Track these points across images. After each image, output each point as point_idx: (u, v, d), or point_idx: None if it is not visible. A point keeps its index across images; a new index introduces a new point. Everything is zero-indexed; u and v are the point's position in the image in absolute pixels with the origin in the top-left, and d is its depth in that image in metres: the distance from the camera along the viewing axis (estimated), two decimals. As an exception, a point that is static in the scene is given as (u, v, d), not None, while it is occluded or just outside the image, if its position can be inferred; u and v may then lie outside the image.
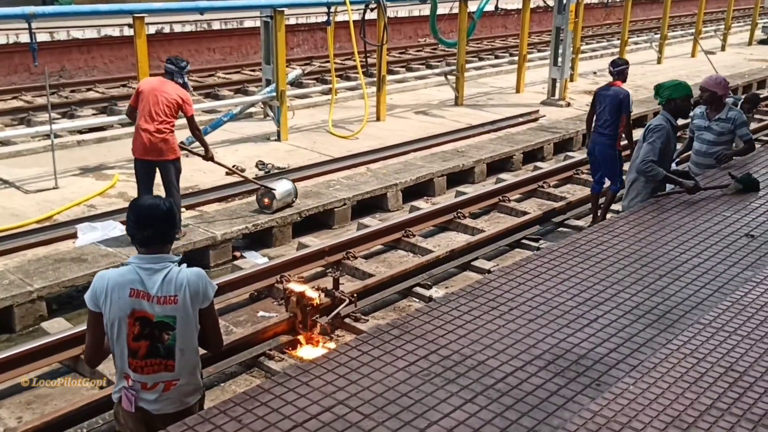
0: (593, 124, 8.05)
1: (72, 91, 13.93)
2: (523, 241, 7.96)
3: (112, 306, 2.91)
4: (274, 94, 10.84)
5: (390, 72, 15.85)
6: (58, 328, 5.77)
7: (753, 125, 12.23)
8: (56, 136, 10.54)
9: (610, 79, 8.03)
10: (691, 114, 6.73)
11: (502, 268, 4.90)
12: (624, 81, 7.92)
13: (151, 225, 2.94)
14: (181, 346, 2.96)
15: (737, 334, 3.76)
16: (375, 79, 12.20)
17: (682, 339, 3.70)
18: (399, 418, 2.98)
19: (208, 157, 7.63)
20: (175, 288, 2.91)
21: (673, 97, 5.70)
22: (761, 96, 11.90)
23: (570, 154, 11.25)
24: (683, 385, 3.29)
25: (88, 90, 14.14)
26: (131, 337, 2.93)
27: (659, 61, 18.44)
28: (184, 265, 3.03)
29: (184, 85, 7.20)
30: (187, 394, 3.05)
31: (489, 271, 6.78)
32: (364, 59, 13.00)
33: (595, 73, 17.13)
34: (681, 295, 4.19)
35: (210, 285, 3.01)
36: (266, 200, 7.86)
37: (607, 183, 8.13)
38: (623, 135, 7.86)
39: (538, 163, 10.77)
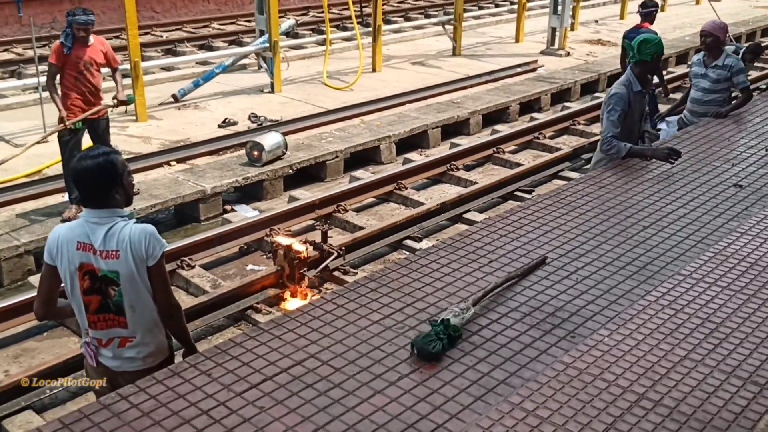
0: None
1: (64, 44, 13.72)
2: (516, 193, 7.90)
3: (63, 259, 2.89)
4: (267, 45, 10.66)
5: (387, 22, 15.58)
6: (46, 282, 5.77)
7: (754, 74, 12.04)
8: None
9: (613, 27, 8.01)
10: (689, 62, 6.63)
11: (484, 219, 4.86)
12: (652, 23, 7.94)
13: (82, 183, 2.88)
14: (130, 303, 2.92)
15: (717, 285, 3.73)
16: (371, 29, 11.98)
17: (660, 290, 3.66)
18: (370, 372, 2.97)
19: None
20: (117, 243, 2.85)
21: (658, 53, 5.26)
22: (763, 45, 11.66)
23: (567, 104, 11.10)
24: (658, 336, 3.27)
25: (81, 42, 13.93)
26: (82, 290, 2.92)
27: (662, 9, 18.03)
28: (133, 220, 2.95)
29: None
30: (148, 354, 3.01)
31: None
32: (359, 9, 12.76)
33: (596, 21, 16.80)
34: (663, 246, 4.14)
35: (157, 243, 2.91)
36: (255, 153, 7.80)
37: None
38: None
39: (535, 114, 10.63)
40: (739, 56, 7.16)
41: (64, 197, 7.07)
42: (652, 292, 3.64)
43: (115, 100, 6.88)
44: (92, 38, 6.58)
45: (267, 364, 2.99)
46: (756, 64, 12.28)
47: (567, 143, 9.49)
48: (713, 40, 6.40)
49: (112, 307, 2.93)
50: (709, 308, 3.52)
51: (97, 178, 2.86)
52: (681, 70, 11.70)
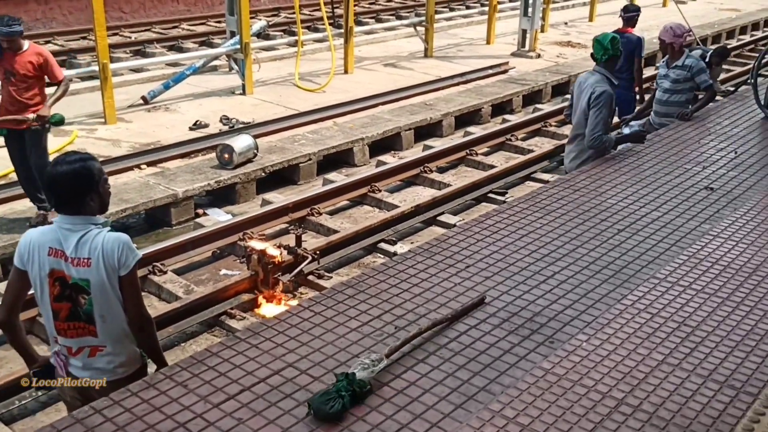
0: None
1: (29, 44, 13.45)
2: (490, 195, 7.93)
3: (34, 264, 2.83)
4: (238, 46, 10.56)
5: (359, 23, 15.55)
6: (13, 289, 5.63)
7: (722, 76, 12.22)
8: (12, 91, 10.22)
9: (582, 29, 8.12)
10: (657, 64, 6.81)
11: (461, 224, 4.85)
12: (634, 27, 8.08)
13: (57, 188, 2.82)
14: (100, 312, 2.85)
15: (692, 288, 3.77)
16: (343, 30, 11.94)
17: (636, 294, 3.69)
18: (349, 380, 2.94)
19: None
20: (89, 251, 2.79)
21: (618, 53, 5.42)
22: (729, 47, 11.86)
23: (539, 106, 11.18)
24: (635, 341, 3.29)
25: (47, 43, 13.65)
26: (52, 297, 2.85)
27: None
28: (107, 228, 2.89)
29: None
30: (118, 364, 2.94)
31: (454, 226, 6.75)
32: (330, 10, 12.71)
33: (566, 23, 16.95)
34: (638, 250, 4.18)
35: (130, 252, 2.85)
36: (226, 155, 7.72)
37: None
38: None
39: (507, 116, 10.68)
40: (707, 59, 7.27)
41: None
42: (628, 296, 3.67)
43: (34, 115, 6.32)
44: (27, 47, 6.23)
45: (244, 374, 2.94)
46: (723, 66, 12.48)
47: (539, 145, 9.55)
48: (660, 44, 6.69)
49: (82, 315, 2.86)
50: (684, 312, 3.55)
51: (72, 184, 2.80)
52: (649, 72, 11.84)
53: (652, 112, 6.88)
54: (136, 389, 2.83)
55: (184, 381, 2.89)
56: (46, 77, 6.40)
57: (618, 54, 5.42)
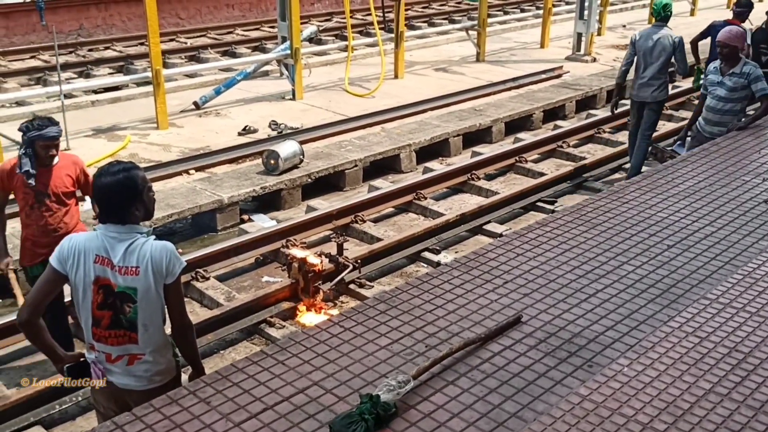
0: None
1: (90, 50, 13.83)
2: (539, 203, 7.73)
3: (78, 270, 2.82)
4: (289, 51, 10.60)
5: (411, 27, 15.47)
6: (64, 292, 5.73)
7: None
8: (71, 96, 10.51)
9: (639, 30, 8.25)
10: (705, 71, 6.54)
11: (501, 237, 4.70)
12: (743, 22, 8.18)
13: (102, 200, 2.84)
14: (144, 321, 2.85)
15: (745, 310, 3.54)
16: (394, 35, 11.87)
17: (685, 316, 3.49)
18: (376, 401, 2.84)
19: None
20: (138, 259, 2.80)
21: None
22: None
23: (593, 112, 10.88)
24: (682, 367, 3.10)
25: (106, 48, 14.03)
26: (95, 305, 2.84)
27: (692, 13, 17.71)
28: (152, 237, 2.90)
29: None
30: (156, 372, 2.94)
31: (500, 235, 6.59)
32: (382, 14, 12.67)
33: (624, 26, 16.51)
34: (689, 268, 3.96)
35: (176, 260, 2.87)
36: (272, 161, 7.73)
37: None
38: None
39: (559, 122, 10.43)
40: None
41: (83, 206, 7.03)
42: (676, 318, 3.47)
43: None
44: (58, 156, 4.56)
45: (268, 391, 2.88)
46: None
47: (592, 152, 9.28)
48: (729, 50, 6.24)
49: (124, 323, 2.86)
50: (736, 336, 3.33)
51: (116, 194, 2.82)
52: (686, 84, 11.41)
53: (701, 119, 6.58)
54: (159, 404, 2.80)
55: (207, 397, 2.85)
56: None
57: (668, 17, 7.49)
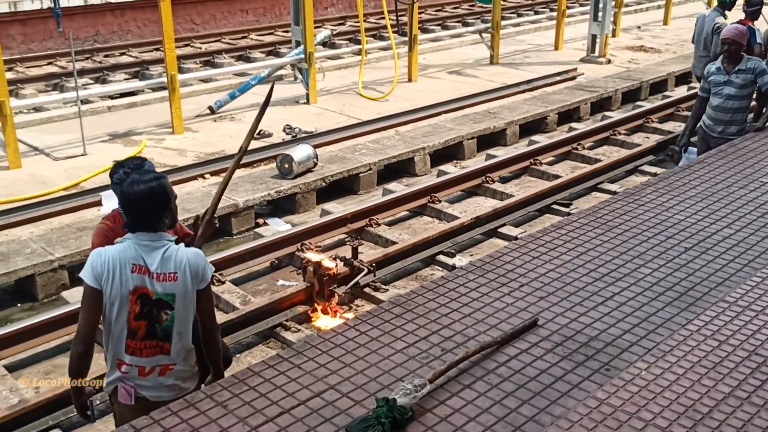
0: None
1: (106, 56, 13.94)
2: (554, 206, 7.70)
3: (114, 283, 2.77)
4: (302, 56, 10.63)
5: (424, 31, 15.47)
6: (78, 297, 5.77)
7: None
8: (87, 101, 10.60)
9: (656, 33, 8.22)
10: (705, 72, 6.48)
11: (516, 240, 4.69)
12: (754, 21, 8.28)
13: (134, 208, 2.81)
14: (179, 329, 2.86)
15: (765, 313, 3.51)
16: (407, 38, 11.88)
17: (703, 319, 3.46)
18: (392, 404, 2.84)
19: None
20: (175, 265, 2.81)
21: None
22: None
23: (608, 114, 10.82)
24: (700, 371, 3.08)
25: (122, 54, 14.14)
26: (132, 315, 2.81)
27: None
28: (182, 244, 2.92)
29: None
30: (183, 380, 2.96)
31: (516, 238, 6.57)
32: (395, 18, 12.68)
33: (639, 27, 16.41)
34: (707, 270, 3.93)
35: (208, 266, 2.91)
36: (286, 165, 7.76)
37: None
38: None
39: (574, 124, 10.38)
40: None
41: (100, 210, 7.09)
42: (694, 321, 3.44)
43: None
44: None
45: (285, 395, 2.89)
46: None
47: (607, 154, 9.24)
48: (736, 48, 6.25)
49: (159, 332, 2.85)
50: (756, 339, 3.30)
51: (149, 203, 2.82)
52: (683, 91, 11.32)
53: (706, 121, 6.52)
54: (176, 408, 2.81)
55: (224, 401, 2.86)
56: None
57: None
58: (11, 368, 5.10)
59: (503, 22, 14.04)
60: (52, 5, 8.95)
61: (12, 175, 8.03)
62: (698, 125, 6.63)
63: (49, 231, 6.69)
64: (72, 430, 4.59)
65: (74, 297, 5.79)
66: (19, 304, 6.15)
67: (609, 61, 13.10)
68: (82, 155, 8.63)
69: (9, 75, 11.17)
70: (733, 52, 6.23)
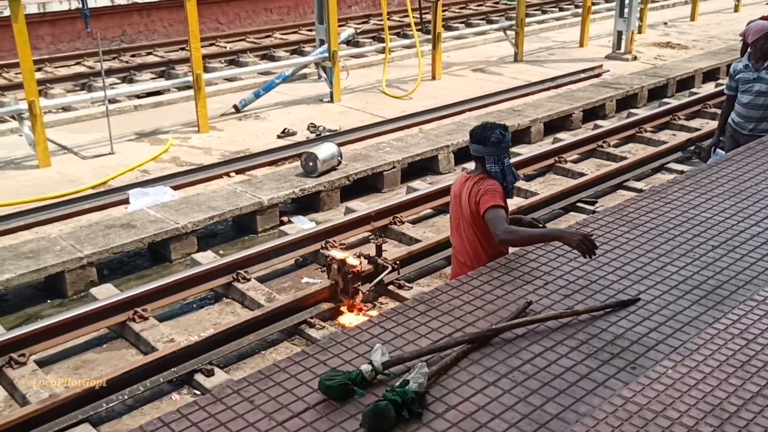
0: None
1: (133, 56, 14.11)
2: (579, 204, 7.65)
3: None
4: (326, 54, 10.68)
5: (448, 28, 15.46)
6: (106, 293, 5.88)
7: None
8: (115, 101, 10.74)
9: (683, 29, 8.02)
10: (732, 71, 6.37)
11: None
12: None
13: None
14: None
15: (794, 312, 3.46)
16: (431, 36, 11.88)
17: (731, 317, 3.42)
18: (417, 401, 2.85)
19: None
20: None
21: None
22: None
23: (634, 111, 10.73)
24: (728, 369, 3.04)
25: (148, 54, 14.30)
26: None
27: (736, 9, 17.31)
28: None
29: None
30: None
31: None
32: (419, 16, 12.67)
33: (665, 23, 16.24)
34: (735, 268, 3.88)
35: None
36: (311, 163, 7.81)
37: None
38: None
39: (599, 122, 10.31)
40: None
41: (128, 208, 7.20)
42: (721, 320, 3.40)
43: None
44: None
45: (310, 391, 2.91)
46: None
47: (632, 152, 9.16)
48: (754, 44, 6.16)
49: None
50: (784, 338, 3.26)
51: None
52: (709, 88, 11.12)
53: (735, 118, 6.43)
54: (204, 403, 2.85)
55: (250, 396, 2.89)
56: None
57: None
58: (41, 363, 5.20)
59: (528, 19, 13.99)
60: (80, 6, 9.05)
61: (42, 173, 8.18)
62: (727, 123, 6.55)
63: (77, 229, 6.80)
64: (101, 424, 4.67)
65: (102, 293, 5.89)
66: (48, 301, 6.27)
67: (635, 58, 12.98)
68: (110, 154, 8.77)
69: (38, 75, 11.36)
70: (762, 48, 6.14)
